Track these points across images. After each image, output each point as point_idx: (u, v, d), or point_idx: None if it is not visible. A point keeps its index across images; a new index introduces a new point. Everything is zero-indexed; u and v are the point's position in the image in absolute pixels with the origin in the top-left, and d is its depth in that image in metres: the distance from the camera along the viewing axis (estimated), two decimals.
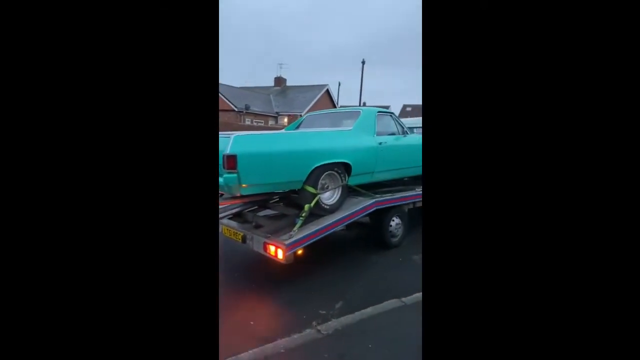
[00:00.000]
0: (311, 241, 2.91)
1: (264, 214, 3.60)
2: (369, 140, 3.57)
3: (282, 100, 23.25)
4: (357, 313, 2.49)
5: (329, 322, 2.38)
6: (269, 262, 3.61)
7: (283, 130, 4.23)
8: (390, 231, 3.91)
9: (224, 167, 2.49)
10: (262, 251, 2.86)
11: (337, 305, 2.68)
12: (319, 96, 23.02)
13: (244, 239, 3.02)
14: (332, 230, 3.14)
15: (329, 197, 3.29)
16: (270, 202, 3.69)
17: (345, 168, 3.31)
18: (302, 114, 21.20)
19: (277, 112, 21.90)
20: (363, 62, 21.63)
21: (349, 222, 3.33)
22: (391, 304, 2.64)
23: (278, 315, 2.61)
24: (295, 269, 3.34)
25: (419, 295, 2.75)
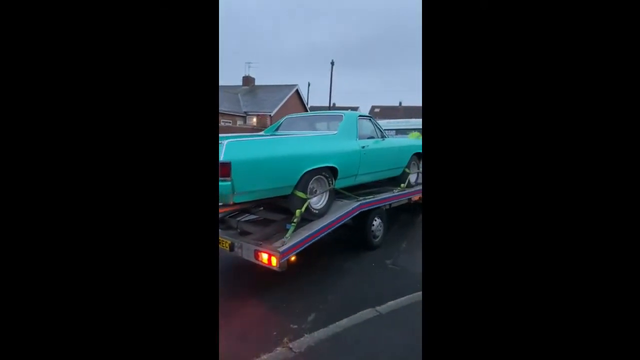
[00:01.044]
0: (304, 247, 2.84)
1: (246, 218, 3.49)
2: (353, 144, 3.57)
3: (251, 99, 22.75)
4: (331, 326, 2.37)
5: (302, 338, 2.23)
6: (234, 274, 3.40)
7: (263, 133, 4.13)
8: (372, 232, 3.97)
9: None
10: (252, 259, 2.74)
11: (310, 318, 2.54)
12: (288, 96, 22.78)
13: (231, 247, 2.86)
14: (323, 234, 3.09)
15: (317, 202, 3.22)
16: (252, 206, 3.56)
17: (332, 172, 3.28)
18: (272, 114, 20.89)
19: (245, 112, 21.39)
20: (332, 63, 21.70)
21: (338, 225, 3.28)
22: (366, 314, 2.54)
23: (245, 332, 2.41)
24: (262, 280, 3.16)
25: (393, 304, 2.69)
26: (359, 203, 3.56)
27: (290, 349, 2.12)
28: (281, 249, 2.60)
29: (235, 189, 2.42)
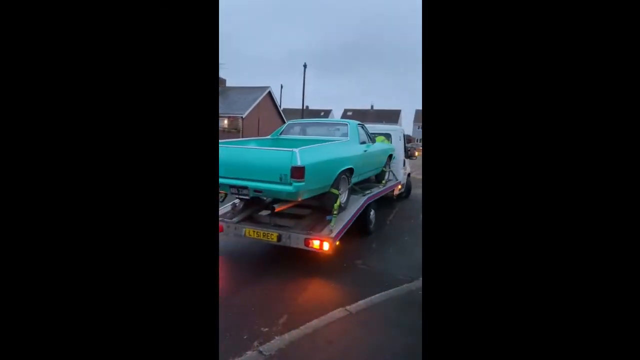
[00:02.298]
0: (342, 233, 3.47)
1: (265, 213, 3.97)
2: (359, 148, 4.26)
3: (222, 101, 22.27)
4: (301, 327, 2.36)
5: (272, 341, 2.21)
6: None
7: (281, 138, 4.85)
8: (370, 220, 4.72)
9: (292, 177, 2.94)
10: (302, 246, 3.26)
11: (281, 321, 2.52)
12: (260, 98, 22.56)
13: (279, 238, 3.31)
14: (351, 223, 3.75)
15: (342, 197, 3.79)
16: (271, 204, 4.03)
17: (350, 172, 3.90)
18: (243, 116, 20.58)
19: None
20: (305, 66, 21.76)
21: (357, 215, 3.93)
22: (336, 313, 2.56)
23: None
24: (232, 283, 3.11)
25: (363, 303, 2.73)
26: (365, 197, 4.29)
27: (261, 352, 2.09)
28: (332, 235, 3.22)
29: (306, 187, 3.00)
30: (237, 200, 3.97)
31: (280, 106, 25.51)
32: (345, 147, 3.94)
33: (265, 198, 3.84)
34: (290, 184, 2.95)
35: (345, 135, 4.36)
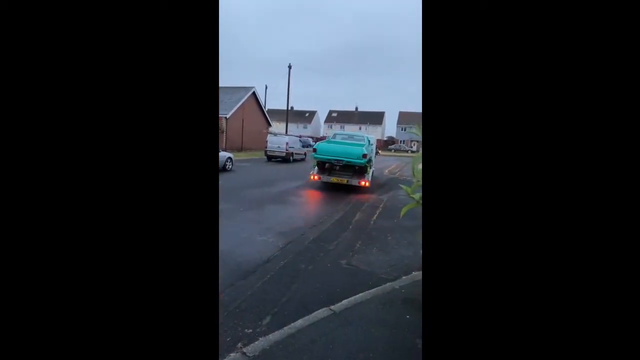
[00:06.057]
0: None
1: (338, 170, 8.92)
2: (369, 148, 8.94)
3: None
4: (285, 328, 2.36)
5: (256, 342, 2.20)
6: None
7: (339, 140, 9.81)
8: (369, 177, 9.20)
9: (362, 157, 8.14)
10: (356, 184, 8.32)
11: (265, 322, 2.51)
12: (244, 98, 22.37)
13: (347, 181, 8.37)
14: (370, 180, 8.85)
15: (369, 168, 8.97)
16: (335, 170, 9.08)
17: (369, 158, 8.74)
18: (227, 116, 20.36)
19: None
20: (289, 67, 21.73)
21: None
22: (321, 313, 2.57)
23: None
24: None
25: (347, 302, 2.75)
26: (372, 169, 9.38)
27: (244, 353, 2.08)
28: (369, 180, 8.60)
29: (367, 162, 8.42)
30: (314, 170, 8.69)
31: (265, 107, 25.36)
32: (370, 147, 9.11)
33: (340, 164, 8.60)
34: (362, 159, 8.03)
35: (363, 140, 9.41)
